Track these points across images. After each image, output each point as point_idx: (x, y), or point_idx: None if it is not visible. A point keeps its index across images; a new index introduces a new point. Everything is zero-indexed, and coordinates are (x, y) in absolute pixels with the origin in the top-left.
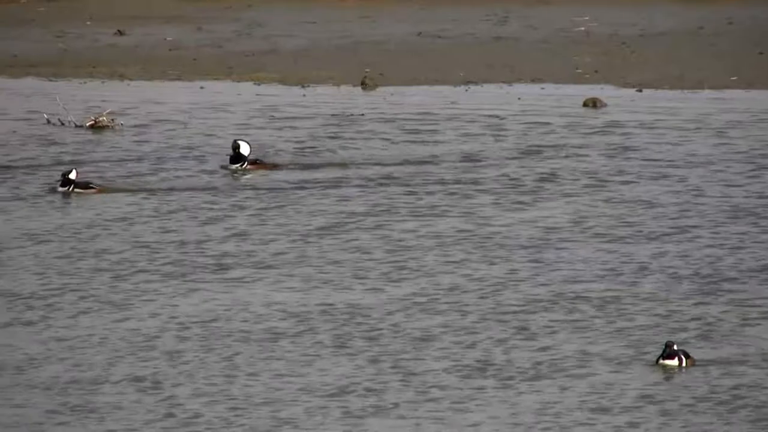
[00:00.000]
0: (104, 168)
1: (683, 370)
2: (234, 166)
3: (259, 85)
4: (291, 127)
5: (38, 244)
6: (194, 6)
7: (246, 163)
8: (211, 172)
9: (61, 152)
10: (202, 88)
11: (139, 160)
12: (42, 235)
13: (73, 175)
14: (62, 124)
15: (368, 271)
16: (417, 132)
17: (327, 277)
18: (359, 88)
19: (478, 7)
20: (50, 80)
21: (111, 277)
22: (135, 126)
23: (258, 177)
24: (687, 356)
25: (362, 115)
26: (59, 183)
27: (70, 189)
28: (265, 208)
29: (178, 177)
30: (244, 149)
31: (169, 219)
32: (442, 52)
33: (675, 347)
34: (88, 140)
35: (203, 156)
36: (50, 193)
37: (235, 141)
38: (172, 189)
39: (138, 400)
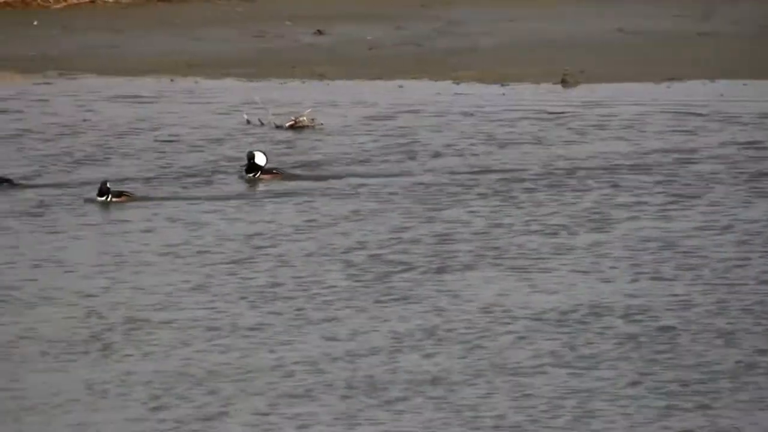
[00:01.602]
0: (306, 167)
1: None
2: (248, 176)
3: (458, 83)
4: (491, 123)
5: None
6: (393, 5)
7: (260, 172)
8: (424, 170)
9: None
10: (400, 87)
11: (341, 158)
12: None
13: (109, 185)
14: (262, 124)
15: (646, 266)
16: (622, 128)
17: (606, 271)
18: (559, 86)
19: (679, 3)
20: (249, 80)
21: (379, 273)
22: (335, 126)
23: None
24: None
25: (563, 112)
26: (97, 193)
27: (109, 199)
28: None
29: (392, 175)
30: (260, 159)
31: (408, 214)
32: (642, 49)
33: None
34: (288, 140)
35: (408, 154)
36: (88, 203)
37: (250, 152)
38: (386, 187)
39: (439, 396)
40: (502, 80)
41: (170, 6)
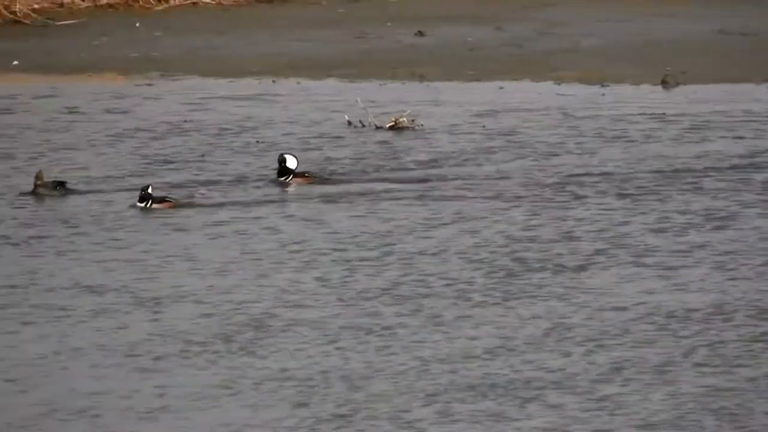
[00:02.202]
0: (404, 169)
1: None
2: (280, 179)
3: (559, 84)
4: (596, 123)
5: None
6: (494, 6)
7: (292, 176)
8: (535, 169)
9: (363, 153)
10: (501, 88)
11: (442, 159)
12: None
13: (150, 191)
14: (363, 125)
15: None
16: (730, 128)
17: (739, 269)
18: (660, 87)
19: None
20: (351, 81)
21: (513, 270)
22: (434, 127)
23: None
24: None
25: (663, 114)
26: (138, 198)
27: (149, 205)
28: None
29: (504, 176)
30: (291, 163)
31: (530, 213)
32: (743, 49)
33: None
34: (389, 141)
35: (515, 154)
36: (131, 209)
37: (281, 155)
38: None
39: (581, 392)
40: (602, 81)
41: (272, 7)
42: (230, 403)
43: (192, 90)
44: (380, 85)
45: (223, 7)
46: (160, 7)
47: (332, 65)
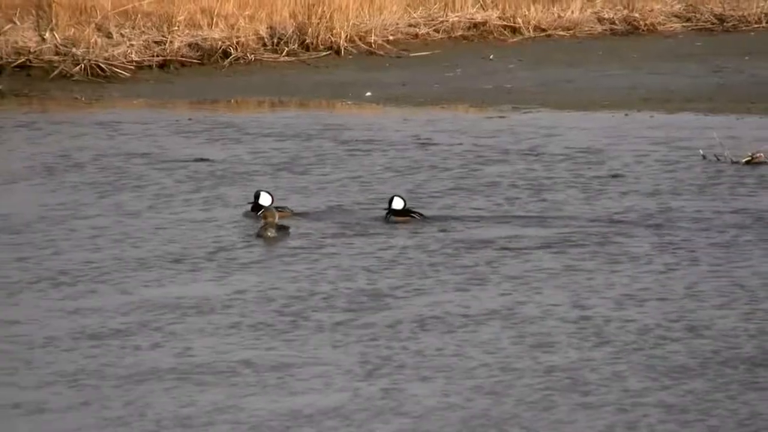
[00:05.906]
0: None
1: None
2: (252, 213)
3: None
4: None
5: None
6: None
7: (262, 211)
8: None
9: (715, 184)
10: None
11: None
12: None
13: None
14: (718, 160)
15: None
16: None
17: None
18: None
19: None
20: (706, 115)
21: None
22: None
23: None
24: None
25: None
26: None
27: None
28: None
29: None
30: (264, 200)
31: None
32: None
33: None
34: (745, 176)
35: None
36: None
37: (257, 191)
38: None
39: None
40: None
41: (626, 39)
42: None
43: (543, 122)
44: (736, 119)
45: (578, 40)
46: (514, 39)
47: (687, 99)
